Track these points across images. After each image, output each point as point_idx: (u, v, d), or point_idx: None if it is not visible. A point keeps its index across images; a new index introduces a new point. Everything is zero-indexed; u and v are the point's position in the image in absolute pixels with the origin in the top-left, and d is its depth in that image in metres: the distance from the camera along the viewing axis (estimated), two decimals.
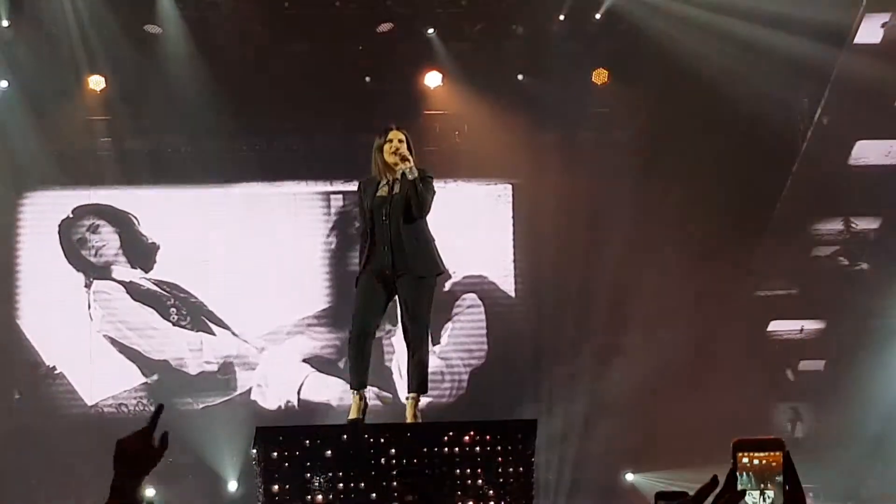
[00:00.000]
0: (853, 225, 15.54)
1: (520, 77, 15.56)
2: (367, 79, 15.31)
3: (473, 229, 15.62)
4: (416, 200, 8.15)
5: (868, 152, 15.02)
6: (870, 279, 15.60)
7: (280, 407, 15.51)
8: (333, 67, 15.17)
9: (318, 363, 15.61)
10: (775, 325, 15.90)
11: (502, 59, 15.35)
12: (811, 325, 15.91)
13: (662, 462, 14.71)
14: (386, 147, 8.30)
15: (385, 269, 8.20)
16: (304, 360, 15.64)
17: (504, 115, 15.21)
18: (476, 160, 15.50)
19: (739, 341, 15.30)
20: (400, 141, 8.30)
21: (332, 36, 15.11)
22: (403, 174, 8.21)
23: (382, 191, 8.29)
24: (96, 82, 15.01)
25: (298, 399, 15.56)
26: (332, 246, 15.85)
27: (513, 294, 15.91)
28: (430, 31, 15.28)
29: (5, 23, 14.65)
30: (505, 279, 15.94)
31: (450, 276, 15.01)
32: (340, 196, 15.85)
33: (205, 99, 14.78)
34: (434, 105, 15.62)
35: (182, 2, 14.73)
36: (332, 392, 15.42)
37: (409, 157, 8.22)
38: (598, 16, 15.05)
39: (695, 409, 14.20)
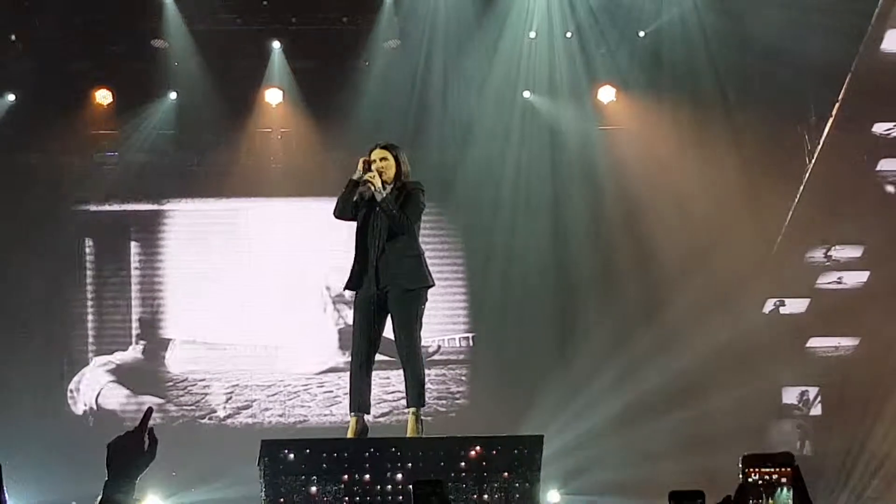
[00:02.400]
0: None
1: (525, 94, 15.58)
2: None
3: None
4: (390, 221, 8.14)
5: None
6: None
7: (85, 412, 15.67)
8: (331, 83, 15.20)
9: (115, 372, 15.80)
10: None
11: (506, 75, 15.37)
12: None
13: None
14: (372, 166, 8.28)
15: (372, 286, 8.16)
16: (103, 369, 15.83)
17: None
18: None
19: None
20: (383, 159, 8.25)
21: (338, 51, 15.13)
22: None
23: None
24: None
25: (97, 405, 15.73)
26: (134, 260, 15.94)
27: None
28: None
29: None
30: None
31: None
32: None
33: None
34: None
35: None
36: (119, 400, 15.67)
37: (372, 180, 8.11)
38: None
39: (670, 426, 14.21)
